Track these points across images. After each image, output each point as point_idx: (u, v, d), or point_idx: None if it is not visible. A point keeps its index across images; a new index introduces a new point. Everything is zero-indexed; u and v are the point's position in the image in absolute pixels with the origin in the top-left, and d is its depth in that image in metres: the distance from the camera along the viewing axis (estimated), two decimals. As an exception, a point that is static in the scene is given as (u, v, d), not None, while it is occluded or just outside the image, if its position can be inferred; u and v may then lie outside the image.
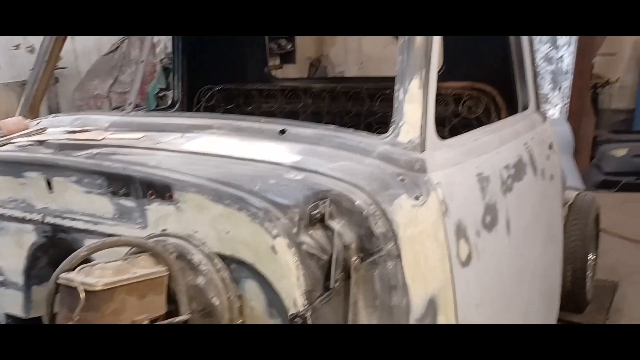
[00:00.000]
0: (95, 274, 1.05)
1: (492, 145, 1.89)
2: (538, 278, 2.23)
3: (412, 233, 1.45)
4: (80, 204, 1.53)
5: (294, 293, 1.25)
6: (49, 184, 1.56)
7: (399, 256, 1.39)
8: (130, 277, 1.10)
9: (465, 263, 1.61)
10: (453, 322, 1.54)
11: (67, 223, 1.55)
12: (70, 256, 1.10)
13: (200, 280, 1.21)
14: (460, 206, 1.62)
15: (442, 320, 1.49)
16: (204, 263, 1.21)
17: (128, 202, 1.44)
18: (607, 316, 3.37)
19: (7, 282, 1.66)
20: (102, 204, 1.49)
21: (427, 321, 1.44)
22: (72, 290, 1.02)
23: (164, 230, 1.33)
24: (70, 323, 1.00)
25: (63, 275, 1.05)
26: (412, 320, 1.39)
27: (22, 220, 1.64)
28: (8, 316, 1.67)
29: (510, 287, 1.93)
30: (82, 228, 1.52)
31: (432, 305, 1.46)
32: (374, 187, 1.43)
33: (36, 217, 1.60)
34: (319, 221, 1.35)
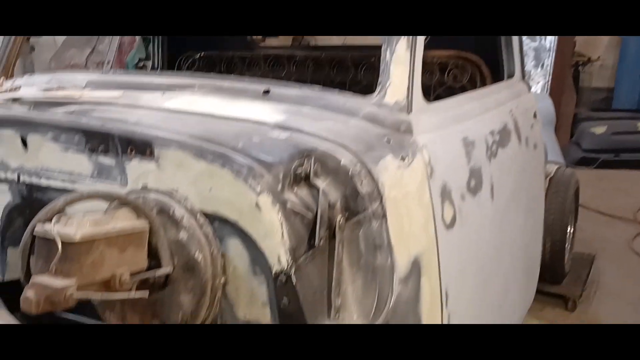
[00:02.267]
0: (74, 225, 1.02)
1: (477, 110, 1.88)
2: (519, 247, 2.25)
3: (397, 194, 1.43)
4: (57, 162, 1.48)
5: (279, 251, 1.23)
6: (24, 141, 1.50)
7: (384, 216, 1.38)
8: (110, 229, 1.06)
9: (450, 226, 1.60)
10: (437, 286, 1.54)
11: (43, 182, 1.50)
12: (46, 206, 1.06)
13: (183, 235, 1.18)
14: (446, 169, 1.61)
15: (425, 282, 1.49)
16: (186, 218, 1.18)
17: (107, 160, 1.40)
18: (584, 287, 3.42)
19: (-19, 244, 1.61)
20: (80, 162, 1.44)
21: (411, 282, 1.43)
22: (48, 241, 0.98)
23: (144, 186, 1.30)
24: (46, 275, 0.96)
25: (40, 225, 1.01)
26: (396, 280, 1.38)
27: (-4, 180, 1.59)
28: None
29: (492, 254, 1.94)
30: (59, 187, 1.48)
31: (416, 267, 1.45)
32: (359, 147, 1.41)
33: (11, 176, 1.55)
34: (304, 179, 1.32)
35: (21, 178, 1.53)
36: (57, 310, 0.97)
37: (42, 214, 1.04)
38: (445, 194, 1.59)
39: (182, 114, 1.55)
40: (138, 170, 1.36)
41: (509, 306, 2.17)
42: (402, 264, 1.41)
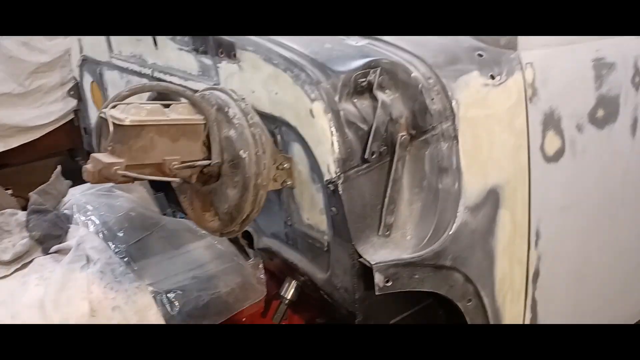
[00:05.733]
0: (130, 112, 1.15)
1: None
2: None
3: (477, 115, 1.30)
4: (176, 61, 1.65)
5: (328, 160, 1.24)
6: (155, 41, 1.70)
7: (455, 137, 1.27)
8: (162, 119, 1.17)
9: (553, 159, 1.40)
10: (523, 223, 1.39)
11: (168, 78, 1.69)
12: (114, 95, 1.21)
13: (232, 133, 1.25)
14: (558, 93, 1.39)
15: (505, 215, 1.35)
16: (237, 117, 1.25)
17: (206, 60, 1.52)
18: None
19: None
20: (190, 61, 1.59)
21: (484, 211, 1.31)
22: (107, 124, 1.13)
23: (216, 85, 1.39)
24: (104, 153, 1.13)
25: (103, 109, 1.17)
26: (462, 207, 1.28)
27: (139, 74, 1.84)
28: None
29: (619, 199, 1.63)
30: (177, 83, 1.66)
31: (492, 197, 1.32)
32: (439, 59, 1.30)
33: (147, 71, 1.78)
34: (368, 91, 1.28)
35: (154, 73, 1.75)
36: (111, 182, 1.13)
37: (109, 100, 1.19)
38: (551, 122, 1.38)
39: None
40: (226, 71, 1.46)
41: (630, 276, 1.81)
42: (472, 191, 1.30)
